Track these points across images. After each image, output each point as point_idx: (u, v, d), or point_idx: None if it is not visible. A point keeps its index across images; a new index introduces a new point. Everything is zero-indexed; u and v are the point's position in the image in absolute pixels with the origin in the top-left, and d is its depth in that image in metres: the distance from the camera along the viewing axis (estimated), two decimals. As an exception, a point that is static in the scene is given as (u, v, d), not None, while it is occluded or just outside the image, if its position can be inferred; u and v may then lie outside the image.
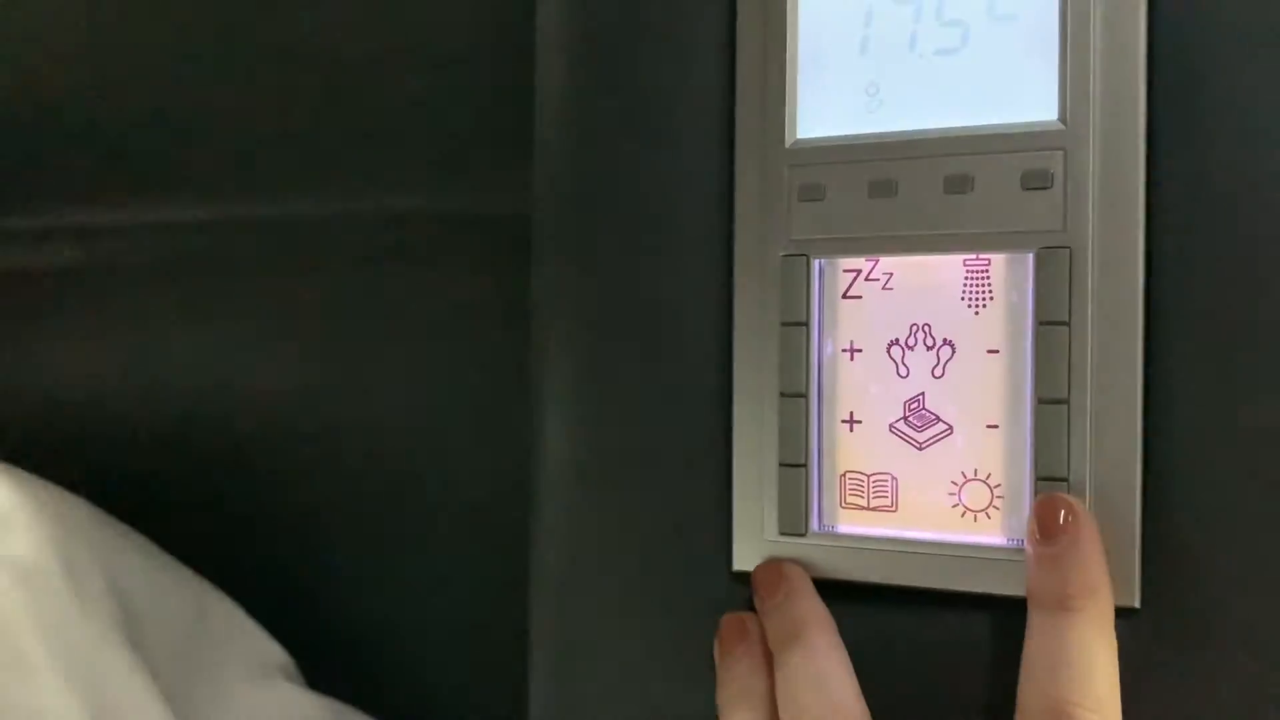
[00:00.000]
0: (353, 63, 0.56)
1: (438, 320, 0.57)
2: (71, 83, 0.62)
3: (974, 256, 0.36)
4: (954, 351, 0.36)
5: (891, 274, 0.37)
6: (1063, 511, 0.33)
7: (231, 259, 0.61)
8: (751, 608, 0.39)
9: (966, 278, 0.36)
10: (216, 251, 0.61)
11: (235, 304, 0.61)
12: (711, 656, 0.39)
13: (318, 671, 0.63)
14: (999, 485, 0.36)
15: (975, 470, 0.36)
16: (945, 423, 0.36)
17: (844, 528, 0.38)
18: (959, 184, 0.36)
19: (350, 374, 0.60)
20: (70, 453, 0.64)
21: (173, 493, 0.64)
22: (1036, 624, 0.33)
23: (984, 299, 0.36)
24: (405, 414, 0.59)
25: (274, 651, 0.62)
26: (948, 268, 0.36)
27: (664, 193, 0.41)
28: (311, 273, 0.59)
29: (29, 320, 0.67)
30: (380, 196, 0.56)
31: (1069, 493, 0.34)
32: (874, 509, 0.37)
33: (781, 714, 0.35)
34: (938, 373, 0.36)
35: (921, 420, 0.37)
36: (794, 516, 0.38)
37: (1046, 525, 0.33)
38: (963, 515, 0.36)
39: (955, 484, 0.36)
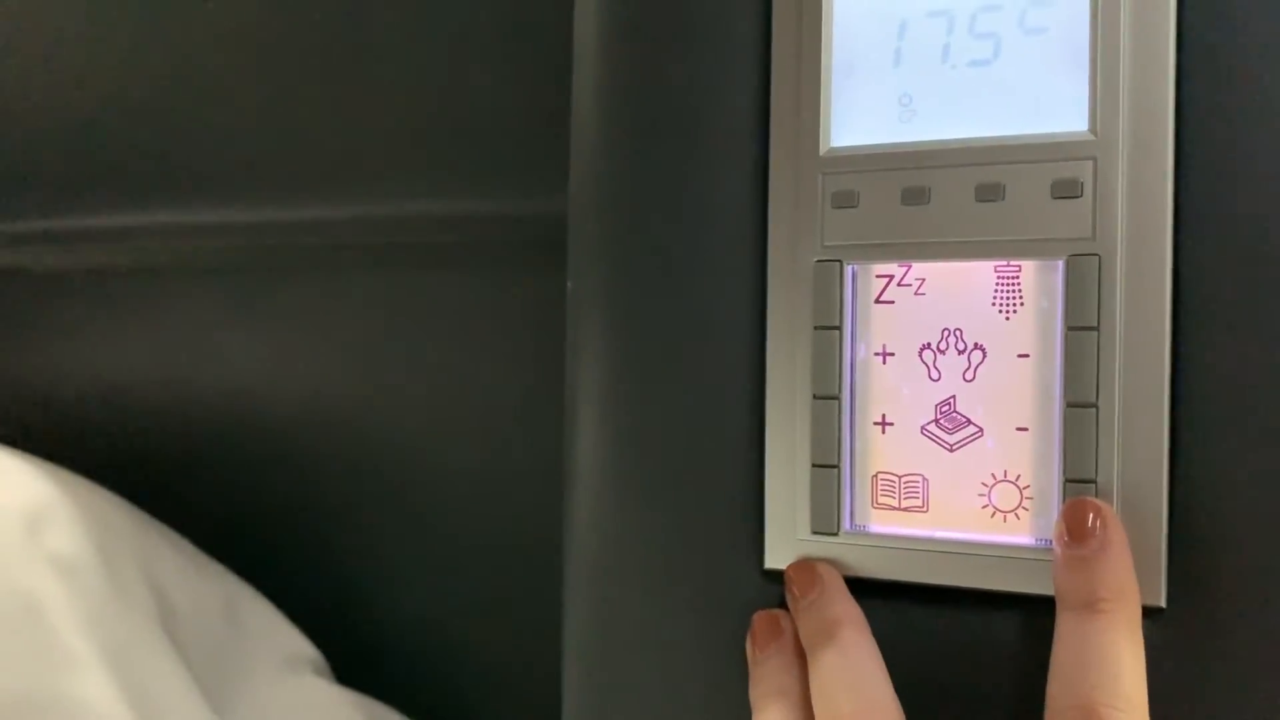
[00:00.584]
0: (388, 66, 0.57)
1: (473, 321, 0.58)
2: (115, 87, 0.63)
3: (1005, 263, 0.37)
4: (985, 356, 0.37)
5: (923, 279, 0.38)
6: (1092, 515, 0.34)
7: (270, 261, 0.62)
8: (783, 606, 0.40)
9: (997, 283, 0.37)
10: (256, 253, 0.62)
11: (273, 305, 0.62)
12: (744, 654, 0.40)
13: (348, 669, 0.64)
14: (1028, 487, 0.37)
15: (1005, 472, 0.37)
16: (976, 425, 0.37)
17: (875, 527, 0.39)
18: (990, 192, 0.37)
19: (385, 374, 0.61)
20: (108, 450, 0.65)
21: (208, 491, 0.66)
22: (1065, 625, 0.34)
23: (1014, 304, 0.37)
24: (439, 414, 0.60)
25: (304, 647, 0.63)
26: (979, 274, 0.37)
27: (698, 198, 0.41)
28: (348, 274, 0.60)
29: (70, 320, 0.68)
30: (415, 199, 0.57)
31: (1096, 495, 0.35)
32: (905, 509, 0.38)
33: (817, 712, 0.36)
34: (969, 376, 0.37)
35: (952, 423, 0.38)
36: (826, 516, 0.39)
37: (1076, 528, 0.34)
38: (992, 516, 0.37)
39: (985, 485, 0.37)
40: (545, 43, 0.49)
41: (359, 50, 0.58)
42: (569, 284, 0.45)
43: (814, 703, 0.36)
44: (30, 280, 0.69)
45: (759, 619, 0.39)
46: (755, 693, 0.38)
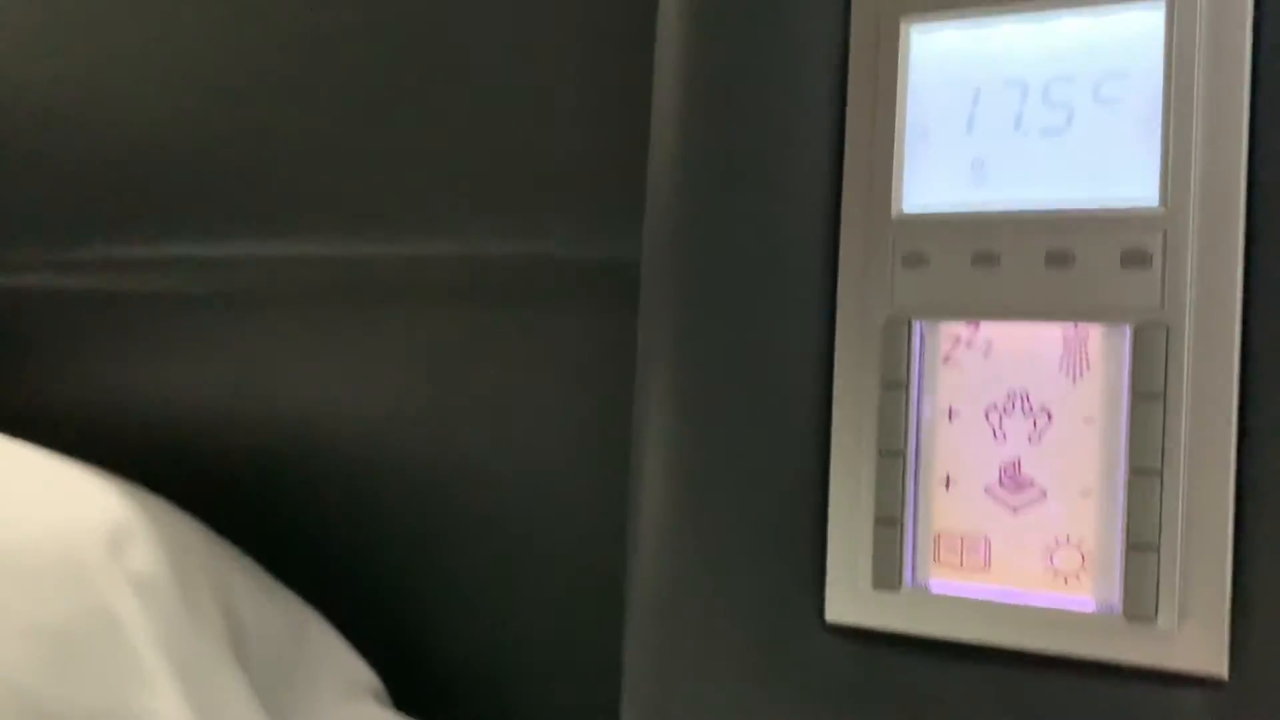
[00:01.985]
0: (464, 106, 0.59)
1: (546, 359, 0.59)
2: (202, 118, 0.65)
3: (1073, 328, 0.37)
4: (1050, 419, 0.38)
5: (991, 341, 0.38)
6: None
7: (344, 293, 0.64)
8: (843, 661, 0.40)
9: (1065, 348, 0.37)
10: (331, 285, 0.64)
11: (347, 337, 0.64)
12: (805, 709, 0.40)
13: (409, 699, 0.65)
14: (1090, 551, 0.37)
15: (1068, 536, 0.37)
16: (1039, 488, 0.38)
17: (937, 585, 0.39)
18: (1060, 259, 0.37)
19: (458, 407, 0.62)
20: (182, 473, 0.67)
21: (279, 517, 0.67)
22: None
23: (1081, 369, 0.37)
24: (509, 448, 0.61)
25: (365, 674, 0.64)
26: (1047, 337, 0.38)
27: (771, 252, 0.42)
28: (424, 308, 0.62)
29: (149, 344, 0.70)
30: (491, 239, 0.58)
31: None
32: (967, 568, 0.39)
33: None
34: (1034, 439, 0.38)
35: (1016, 484, 0.38)
36: (888, 571, 0.39)
37: None
38: (1053, 579, 0.37)
39: (1047, 548, 0.38)
40: (624, 92, 0.50)
41: (441, 89, 0.59)
42: (639, 328, 0.46)
43: None
44: (116, 304, 0.71)
45: None
46: None
